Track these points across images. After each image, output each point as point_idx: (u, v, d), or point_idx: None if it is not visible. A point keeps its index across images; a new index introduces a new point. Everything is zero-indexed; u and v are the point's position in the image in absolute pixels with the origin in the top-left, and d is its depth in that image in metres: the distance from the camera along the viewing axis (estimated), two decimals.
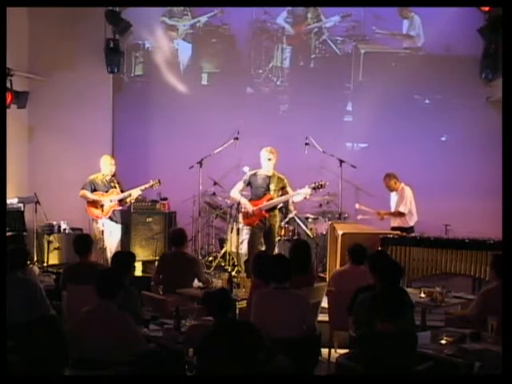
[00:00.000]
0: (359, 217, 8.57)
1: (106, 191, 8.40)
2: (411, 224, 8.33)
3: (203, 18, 10.29)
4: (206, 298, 4.67)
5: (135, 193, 8.43)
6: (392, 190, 8.52)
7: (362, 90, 9.99)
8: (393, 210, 8.50)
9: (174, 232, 7.36)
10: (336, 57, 10.11)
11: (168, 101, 10.20)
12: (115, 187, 8.44)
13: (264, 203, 7.93)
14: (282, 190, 7.99)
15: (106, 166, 8.48)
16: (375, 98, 9.67)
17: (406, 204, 8.35)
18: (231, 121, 9.43)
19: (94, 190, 8.37)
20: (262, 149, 8.04)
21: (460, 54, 9.72)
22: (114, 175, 8.53)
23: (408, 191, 8.39)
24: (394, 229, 8.16)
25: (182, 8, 10.28)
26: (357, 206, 8.45)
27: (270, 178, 7.99)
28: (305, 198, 8.11)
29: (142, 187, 8.47)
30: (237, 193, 8.11)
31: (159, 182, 8.49)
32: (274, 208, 8.02)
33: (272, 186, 7.96)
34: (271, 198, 7.95)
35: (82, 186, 8.38)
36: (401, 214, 8.34)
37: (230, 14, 10.12)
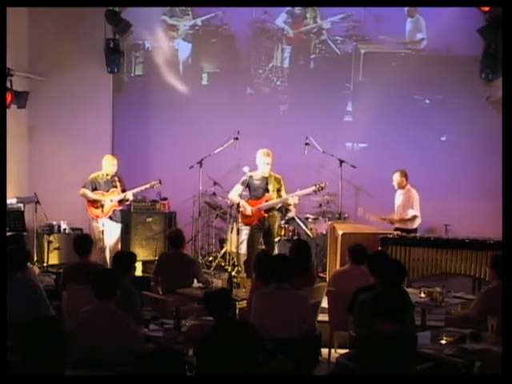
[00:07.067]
0: (367, 216, 8.52)
1: (107, 190, 8.40)
2: (415, 226, 8.31)
3: (203, 18, 10.28)
4: (206, 297, 4.67)
5: (130, 195, 8.43)
6: (398, 188, 8.47)
7: (362, 90, 9.98)
8: (396, 208, 8.45)
9: (172, 234, 7.36)
10: (336, 57, 10.11)
11: (168, 101, 10.19)
12: (116, 186, 8.44)
13: (263, 203, 7.94)
14: (278, 193, 7.99)
15: (108, 166, 8.48)
16: (375, 98, 9.66)
17: (417, 206, 8.32)
18: (231, 121, 9.43)
19: (94, 189, 8.37)
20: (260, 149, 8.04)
21: (460, 53, 9.71)
22: (115, 174, 8.52)
23: (416, 194, 8.36)
24: (397, 230, 8.12)
25: (183, 7, 10.27)
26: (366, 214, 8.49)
27: (267, 178, 7.99)
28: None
29: (143, 187, 8.48)
30: (235, 195, 8.11)
31: (160, 182, 8.48)
32: (272, 208, 8.03)
33: (270, 187, 7.96)
34: (270, 199, 7.95)
35: (82, 185, 8.39)
36: (414, 218, 8.30)
37: (230, 14, 10.11)
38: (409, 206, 8.32)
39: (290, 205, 8.22)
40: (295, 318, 5.05)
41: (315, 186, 7.93)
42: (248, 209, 7.94)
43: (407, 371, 3.98)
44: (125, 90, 10.44)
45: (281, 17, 10.18)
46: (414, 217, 8.28)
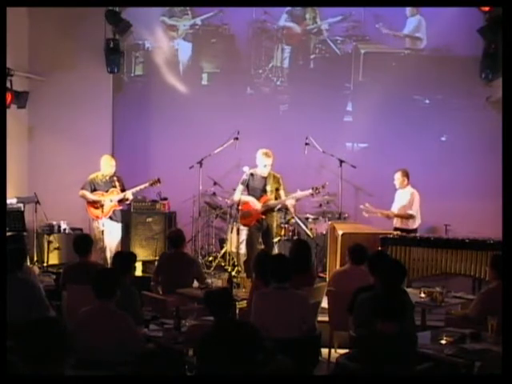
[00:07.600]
0: (366, 215, 8.50)
1: (106, 191, 8.39)
2: (415, 227, 8.31)
3: (203, 18, 10.27)
4: (206, 296, 4.67)
5: (130, 194, 8.42)
6: (399, 187, 8.46)
7: (362, 90, 9.98)
8: (396, 208, 8.45)
9: (172, 233, 7.35)
10: (336, 57, 10.11)
11: (168, 101, 10.19)
12: (115, 186, 8.43)
13: (270, 202, 7.91)
14: (277, 192, 7.97)
15: (106, 166, 8.47)
16: (375, 98, 9.66)
17: (417, 207, 8.32)
18: (231, 121, 9.43)
19: (93, 190, 8.36)
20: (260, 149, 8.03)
21: (460, 54, 9.71)
22: (114, 174, 8.51)
23: (417, 195, 8.36)
24: (396, 229, 8.13)
25: (182, 7, 10.27)
26: (362, 206, 8.46)
27: (265, 178, 7.96)
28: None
29: (142, 186, 8.46)
30: (240, 195, 8.05)
31: (159, 180, 8.46)
32: (271, 209, 8.02)
33: (268, 188, 7.93)
34: (268, 200, 7.92)
35: (81, 186, 8.38)
36: (411, 217, 8.30)
37: (230, 14, 10.11)
38: (409, 206, 8.32)
39: (287, 205, 8.22)
40: (295, 318, 5.05)
41: (312, 189, 7.88)
42: (258, 204, 7.90)
43: (407, 371, 3.98)
44: (125, 90, 10.44)
45: (281, 18, 10.17)
46: (410, 216, 8.27)
